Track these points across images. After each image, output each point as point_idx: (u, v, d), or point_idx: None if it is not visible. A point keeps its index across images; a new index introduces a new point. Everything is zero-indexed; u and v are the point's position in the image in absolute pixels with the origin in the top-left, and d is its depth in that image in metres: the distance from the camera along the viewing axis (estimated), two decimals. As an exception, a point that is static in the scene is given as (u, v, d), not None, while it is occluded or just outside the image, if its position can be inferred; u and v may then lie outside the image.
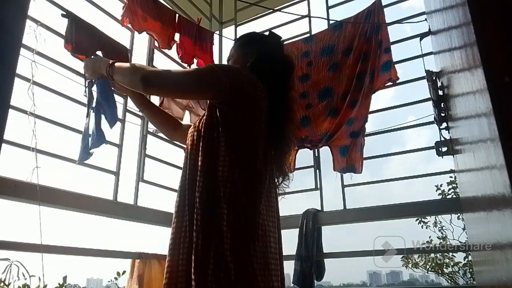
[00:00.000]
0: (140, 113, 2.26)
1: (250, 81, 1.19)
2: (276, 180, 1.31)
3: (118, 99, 1.77)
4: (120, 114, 1.85)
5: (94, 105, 1.56)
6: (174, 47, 2.43)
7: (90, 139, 1.56)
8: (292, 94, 1.40)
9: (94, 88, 1.57)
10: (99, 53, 1.87)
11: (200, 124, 1.20)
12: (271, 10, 2.79)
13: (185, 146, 1.44)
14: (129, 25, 2.12)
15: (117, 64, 1.32)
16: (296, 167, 2.54)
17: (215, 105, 1.18)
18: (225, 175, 1.09)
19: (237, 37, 2.97)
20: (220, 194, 1.07)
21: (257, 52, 1.33)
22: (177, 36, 2.44)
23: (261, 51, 1.33)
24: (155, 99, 2.30)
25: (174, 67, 2.57)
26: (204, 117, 1.20)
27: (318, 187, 2.45)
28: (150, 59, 2.38)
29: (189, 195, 1.13)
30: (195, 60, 2.57)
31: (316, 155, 2.53)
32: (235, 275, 1.00)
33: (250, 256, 1.04)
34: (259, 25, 3.11)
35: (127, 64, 1.30)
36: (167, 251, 1.13)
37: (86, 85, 1.57)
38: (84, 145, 1.62)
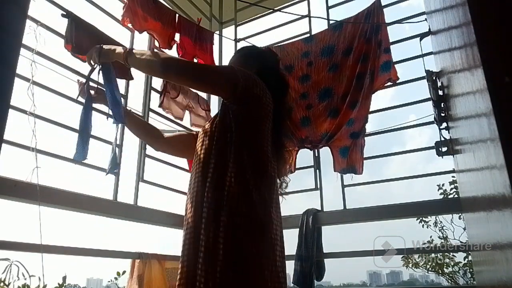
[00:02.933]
0: (141, 113, 2.27)
1: (261, 85, 1.23)
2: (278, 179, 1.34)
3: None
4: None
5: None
6: (174, 47, 2.44)
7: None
8: (286, 110, 1.48)
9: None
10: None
11: (213, 127, 1.24)
12: (271, 10, 2.79)
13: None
14: (130, 25, 2.12)
15: (135, 49, 1.33)
16: (296, 167, 2.54)
17: (228, 107, 1.22)
18: (238, 173, 1.12)
19: (237, 39, 2.98)
20: (233, 191, 1.10)
21: (258, 66, 1.38)
22: (177, 36, 2.45)
23: (261, 66, 1.39)
24: (155, 99, 2.31)
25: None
26: (217, 119, 1.24)
27: (318, 187, 2.45)
28: (150, 59, 2.38)
29: (201, 192, 1.15)
30: (195, 60, 2.57)
31: (316, 155, 2.53)
32: (247, 275, 1.02)
33: (265, 258, 1.06)
34: (259, 25, 3.10)
35: (147, 50, 1.35)
36: (182, 251, 1.15)
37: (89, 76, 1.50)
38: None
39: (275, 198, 1.21)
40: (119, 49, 1.36)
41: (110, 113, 1.52)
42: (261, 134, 1.21)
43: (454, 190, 4.68)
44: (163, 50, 2.42)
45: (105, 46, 1.43)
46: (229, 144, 1.16)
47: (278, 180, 1.33)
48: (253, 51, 1.54)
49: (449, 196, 4.65)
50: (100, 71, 1.47)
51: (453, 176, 4.48)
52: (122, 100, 2.05)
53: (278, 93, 1.35)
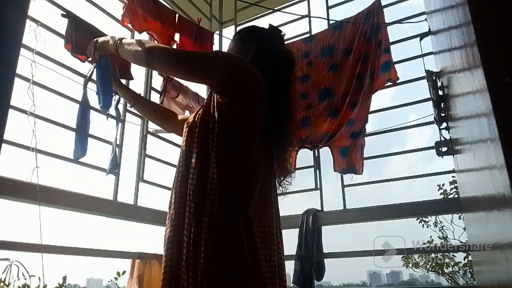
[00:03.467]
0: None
1: (251, 73, 1.17)
2: (277, 178, 1.28)
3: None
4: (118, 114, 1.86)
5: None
6: (174, 47, 2.43)
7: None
8: (293, 90, 1.37)
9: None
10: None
11: (196, 117, 1.19)
12: (271, 10, 2.79)
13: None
14: (129, 25, 2.12)
15: (125, 39, 1.35)
16: (296, 167, 2.53)
17: (213, 94, 1.17)
18: (219, 167, 1.07)
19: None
20: (215, 187, 1.05)
21: (257, 47, 1.30)
22: (177, 36, 2.45)
23: (260, 45, 1.31)
24: (155, 99, 2.30)
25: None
26: (201, 110, 1.19)
27: (318, 187, 2.45)
28: (150, 59, 2.38)
29: (185, 188, 1.12)
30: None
31: (316, 155, 2.53)
32: (227, 273, 0.99)
33: (244, 251, 1.01)
34: (259, 25, 3.10)
35: (135, 39, 1.35)
36: (164, 249, 1.11)
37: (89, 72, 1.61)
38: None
39: (262, 197, 1.14)
40: (112, 40, 1.38)
41: (99, 99, 1.59)
42: (247, 125, 1.14)
43: (454, 190, 4.68)
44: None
45: (100, 39, 1.47)
46: (211, 135, 1.11)
47: (276, 177, 1.27)
48: (251, 32, 1.42)
49: (449, 196, 4.64)
50: (98, 65, 1.53)
51: (453, 176, 4.48)
52: (122, 100, 2.05)
53: (278, 74, 1.27)
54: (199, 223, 1.03)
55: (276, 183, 1.29)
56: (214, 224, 1.02)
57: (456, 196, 4.48)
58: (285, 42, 2.36)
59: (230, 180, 1.07)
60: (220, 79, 1.14)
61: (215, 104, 1.15)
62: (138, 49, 1.23)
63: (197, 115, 1.20)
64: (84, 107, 1.66)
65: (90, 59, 1.59)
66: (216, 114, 1.13)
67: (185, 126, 1.24)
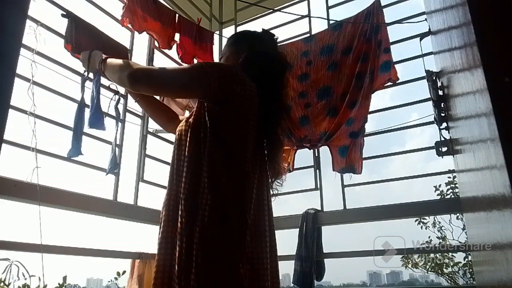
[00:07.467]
0: (141, 113, 2.27)
1: (239, 80, 1.16)
2: (269, 180, 1.28)
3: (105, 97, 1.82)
4: (118, 114, 1.87)
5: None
6: (174, 47, 2.44)
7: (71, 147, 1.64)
8: (285, 93, 1.36)
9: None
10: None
11: (188, 122, 1.19)
12: (271, 10, 2.79)
13: None
14: (129, 25, 2.12)
15: (109, 60, 1.31)
16: (296, 167, 2.54)
17: (203, 104, 1.16)
18: (211, 178, 1.07)
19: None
20: (206, 197, 1.05)
21: (249, 50, 1.31)
22: (177, 36, 2.44)
23: (252, 49, 1.31)
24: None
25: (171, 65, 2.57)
26: (191, 119, 1.18)
27: (318, 187, 2.45)
28: (150, 59, 2.38)
29: (176, 196, 1.12)
30: (195, 60, 2.57)
31: (316, 155, 2.53)
32: (220, 280, 0.99)
33: (236, 261, 1.02)
34: (259, 25, 3.10)
35: (118, 61, 1.27)
36: (156, 255, 1.12)
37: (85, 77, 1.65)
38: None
39: (257, 202, 1.14)
40: (97, 61, 1.36)
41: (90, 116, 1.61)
42: (239, 132, 1.14)
43: (450, 191, 4.68)
44: (163, 50, 2.43)
45: (92, 54, 1.47)
46: (203, 145, 1.11)
47: (270, 180, 1.27)
48: (244, 35, 1.45)
49: (446, 197, 4.64)
50: (94, 82, 1.58)
51: (449, 177, 4.50)
52: (122, 100, 2.05)
53: (270, 77, 1.26)
54: (191, 234, 1.03)
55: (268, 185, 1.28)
56: (206, 235, 1.02)
57: (452, 196, 4.49)
58: (285, 43, 2.35)
59: (222, 191, 1.06)
60: (211, 91, 1.12)
61: (206, 113, 1.14)
62: (121, 75, 1.18)
63: (188, 124, 1.19)
64: (81, 106, 1.67)
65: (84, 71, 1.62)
66: (208, 124, 1.12)
67: (178, 130, 1.23)
